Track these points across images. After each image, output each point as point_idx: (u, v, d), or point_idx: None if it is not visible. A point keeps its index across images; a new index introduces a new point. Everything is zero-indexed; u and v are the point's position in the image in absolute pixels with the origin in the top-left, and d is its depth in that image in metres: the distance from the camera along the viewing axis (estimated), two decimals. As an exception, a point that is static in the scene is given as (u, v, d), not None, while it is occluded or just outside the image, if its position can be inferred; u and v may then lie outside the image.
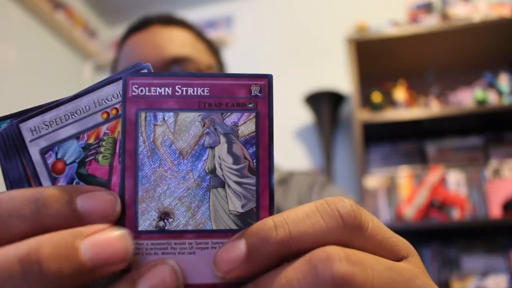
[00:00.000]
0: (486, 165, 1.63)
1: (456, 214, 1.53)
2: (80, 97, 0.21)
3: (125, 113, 0.20)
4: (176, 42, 0.61)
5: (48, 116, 0.20)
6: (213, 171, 0.20)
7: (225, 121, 0.20)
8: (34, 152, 0.20)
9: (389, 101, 1.75)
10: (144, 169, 0.20)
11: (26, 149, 0.20)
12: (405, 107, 1.73)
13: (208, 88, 0.20)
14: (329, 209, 0.19)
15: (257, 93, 0.21)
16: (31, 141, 0.20)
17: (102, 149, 0.20)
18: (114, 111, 0.21)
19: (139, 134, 0.20)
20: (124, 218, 0.20)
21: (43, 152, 0.20)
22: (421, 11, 1.80)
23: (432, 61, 1.81)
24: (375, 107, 1.71)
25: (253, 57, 2.21)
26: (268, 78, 0.21)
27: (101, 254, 0.17)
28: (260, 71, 2.16)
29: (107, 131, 0.20)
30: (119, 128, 0.20)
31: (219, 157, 0.20)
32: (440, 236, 1.63)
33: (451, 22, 1.66)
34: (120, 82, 0.21)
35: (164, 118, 0.20)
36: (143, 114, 0.20)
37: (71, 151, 0.20)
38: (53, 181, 0.20)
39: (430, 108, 1.69)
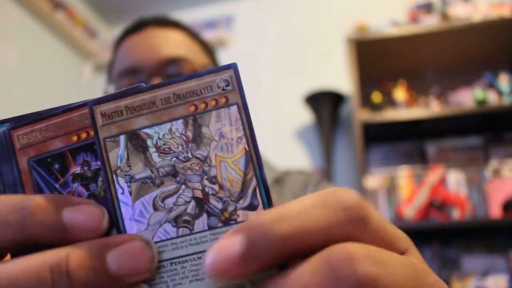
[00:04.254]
0: (486, 165, 1.63)
1: (456, 214, 1.53)
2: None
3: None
4: (171, 43, 0.62)
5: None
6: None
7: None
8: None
9: (389, 101, 1.75)
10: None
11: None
12: (405, 107, 1.73)
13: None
14: (332, 200, 0.17)
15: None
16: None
17: None
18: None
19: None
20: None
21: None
22: (421, 11, 1.80)
23: (432, 61, 1.81)
24: (375, 107, 1.71)
25: (253, 57, 2.21)
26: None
27: (127, 264, 0.18)
28: (260, 71, 2.16)
29: None
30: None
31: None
32: (440, 236, 1.63)
33: (451, 22, 1.66)
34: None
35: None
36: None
37: None
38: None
39: (430, 108, 1.69)
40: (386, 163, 1.81)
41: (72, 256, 0.17)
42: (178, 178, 0.20)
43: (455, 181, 1.60)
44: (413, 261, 0.18)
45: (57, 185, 0.20)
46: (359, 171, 1.58)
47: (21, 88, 1.93)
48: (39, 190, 0.20)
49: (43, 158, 0.21)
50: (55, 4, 2.08)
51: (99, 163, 0.20)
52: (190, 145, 0.20)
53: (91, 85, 2.38)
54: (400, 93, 1.75)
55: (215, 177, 0.20)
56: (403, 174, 1.66)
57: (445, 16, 1.71)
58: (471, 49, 1.72)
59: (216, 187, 0.20)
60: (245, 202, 0.19)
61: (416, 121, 1.61)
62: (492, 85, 1.67)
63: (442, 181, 1.60)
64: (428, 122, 1.62)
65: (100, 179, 0.20)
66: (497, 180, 1.57)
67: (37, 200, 0.18)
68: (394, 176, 1.67)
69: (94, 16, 2.47)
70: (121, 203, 0.20)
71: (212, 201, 0.20)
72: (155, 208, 0.20)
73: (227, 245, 0.17)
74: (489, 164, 1.64)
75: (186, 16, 2.17)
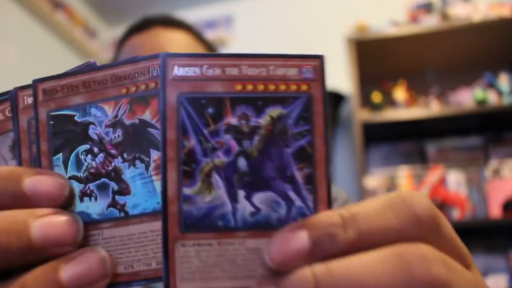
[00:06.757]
0: (486, 165, 1.63)
1: (456, 214, 1.53)
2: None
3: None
4: (176, 45, 0.62)
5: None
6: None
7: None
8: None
9: (389, 101, 1.75)
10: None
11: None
12: (405, 107, 1.73)
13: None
14: (404, 206, 0.17)
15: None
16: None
17: None
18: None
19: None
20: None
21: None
22: (421, 11, 1.80)
23: (432, 61, 1.81)
24: (375, 107, 1.71)
25: (253, 57, 2.20)
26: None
27: (50, 235, 0.18)
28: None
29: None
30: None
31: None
32: (440, 236, 1.63)
33: (451, 22, 1.66)
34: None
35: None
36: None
37: None
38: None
39: (430, 108, 1.69)
40: (386, 163, 1.81)
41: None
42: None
43: (455, 181, 1.60)
44: (478, 277, 0.18)
45: (205, 131, 0.18)
46: (359, 171, 1.58)
47: (21, 88, 1.93)
48: (183, 130, 0.18)
49: (197, 98, 0.19)
50: (55, 4, 2.08)
51: (259, 120, 0.19)
52: None
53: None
54: (400, 93, 1.75)
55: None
56: (403, 174, 1.66)
57: (445, 16, 1.71)
58: (471, 49, 1.72)
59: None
60: None
61: (416, 121, 1.61)
62: (492, 85, 1.67)
63: (442, 181, 1.60)
64: (428, 122, 1.62)
65: (256, 137, 0.19)
66: (497, 180, 1.57)
67: (0, 170, 0.19)
68: (394, 176, 1.67)
69: (94, 16, 2.47)
70: None
71: None
72: None
73: (293, 239, 0.17)
74: (489, 164, 1.64)
75: (186, 16, 2.16)
